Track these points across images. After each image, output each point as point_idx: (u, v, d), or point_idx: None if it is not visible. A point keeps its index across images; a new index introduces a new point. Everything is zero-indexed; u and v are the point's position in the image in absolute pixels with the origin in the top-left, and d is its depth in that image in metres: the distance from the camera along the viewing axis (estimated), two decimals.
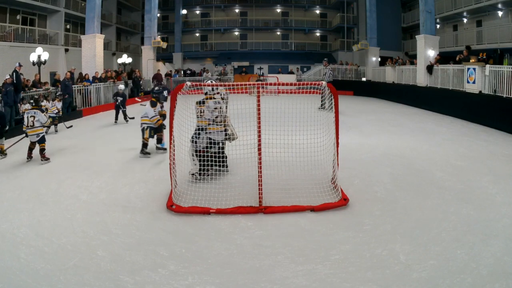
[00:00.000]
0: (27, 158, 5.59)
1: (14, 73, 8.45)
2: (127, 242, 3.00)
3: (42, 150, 5.56)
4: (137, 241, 3.02)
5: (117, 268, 2.62)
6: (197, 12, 25.36)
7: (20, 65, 8.92)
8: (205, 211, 3.52)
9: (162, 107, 6.19)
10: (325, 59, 12.59)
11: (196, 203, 3.66)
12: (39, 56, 10.84)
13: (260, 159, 3.74)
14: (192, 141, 4.43)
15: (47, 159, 5.53)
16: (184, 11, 24.55)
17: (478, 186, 4.17)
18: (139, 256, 2.79)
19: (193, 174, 4.40)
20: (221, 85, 5.05)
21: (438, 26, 17.02)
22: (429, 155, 5.56)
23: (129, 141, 6.73)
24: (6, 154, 5.93)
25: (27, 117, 5.60)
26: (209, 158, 4.30)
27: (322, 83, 3.88)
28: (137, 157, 5.70)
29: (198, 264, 2.67)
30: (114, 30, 21.92)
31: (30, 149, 5.62)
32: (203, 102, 4.49)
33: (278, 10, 25.00)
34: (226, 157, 4.60)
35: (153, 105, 5.86)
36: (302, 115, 4.28)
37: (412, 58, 14.85)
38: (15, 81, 8.28)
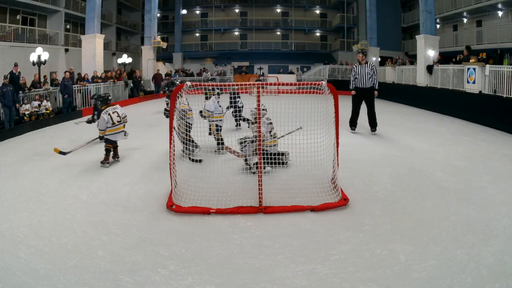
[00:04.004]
0: (113, 159, 5.30)
1: (9, 74, 8.53)
2: (127, 242, 3.00)
3: (116, 148, 5.39)
4: (137, 241, 3.02)
5: (117, 268, 2.62)
6: (197, 12, 25.36)
7: (15, 65, 9.00)
8: (205, 211, 3.52)
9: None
10: (363, 51, 7.68)
11: (196, 203, 3.66)
12: (39, 56, 10.85)
13: (260, 158, 3.74)
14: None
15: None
16: (184, 11, 24.55)
17: (478, 186, 4.17)
18: (139, 256, 2.79)
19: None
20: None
21: (438, 26, 17.03)
22: (429, 155, 5.56)
23: (130, 141, 6.73)
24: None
25: (110, 114, 5.20)
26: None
27: (322, 83, 3.87)
28: (137, 157, 5.70)
29: (198, 264, 2.67)
30: (114, 30, 21.92)
31: (109, 150, 5.22)
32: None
33: (278, 10, 25.01)
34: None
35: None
36: (302, 115, 4.29)
37: (412, 58, 14.85)
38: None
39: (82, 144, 6.02)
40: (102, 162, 5.18)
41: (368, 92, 7.12)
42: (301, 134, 4.12)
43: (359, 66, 7.26)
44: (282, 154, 4.84)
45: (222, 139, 5.57)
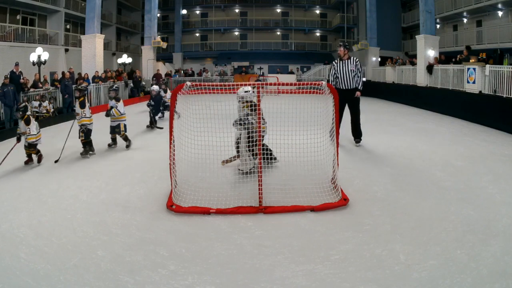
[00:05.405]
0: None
1: (9, 74, 8.55)
2: (127, 242, 3.00)
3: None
4: (137, 241, 3.02)
5: (117, 268, 2.62)
6: (197, 12, 25.38)
7: (16, 65, 9.01)
8: (205, 211, 3.52)
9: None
10: (344, 44, 6.07)
11: (196, 203, 3.66)
12: (39, 56, 10.86)
13: (260, 159, 3.74)
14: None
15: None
16: (184, 11, 24.57)
17: (478, 186, 4.17)
18: (139, 256, 2.79)
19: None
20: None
21: (438, 26, 17.03)
22: (429, 155, 5.55)
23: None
24: None
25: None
26: None
27: (322, 83, 3.87)
28: (137, 157, 5.70)
29: (198, 264, 2.67)
30: (114, 30, 21.94)
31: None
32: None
33: (278, 10, 25.02)
34: None
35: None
36: (302, 115, 4.28)
37: (412, 58, 14.86)
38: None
39: (8, 151, 5.44)
40: (38, 162, 5.44)
41: (352, 94, 5.87)
42: (301, 134, 4.12)
43: (340, 62, 5.91)
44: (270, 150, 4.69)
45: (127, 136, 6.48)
